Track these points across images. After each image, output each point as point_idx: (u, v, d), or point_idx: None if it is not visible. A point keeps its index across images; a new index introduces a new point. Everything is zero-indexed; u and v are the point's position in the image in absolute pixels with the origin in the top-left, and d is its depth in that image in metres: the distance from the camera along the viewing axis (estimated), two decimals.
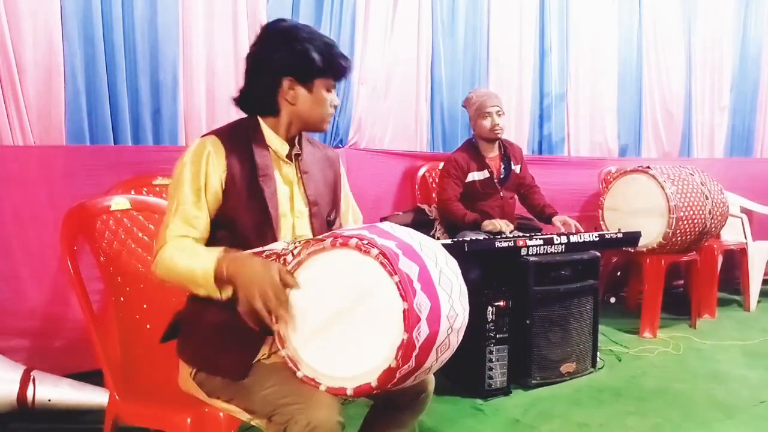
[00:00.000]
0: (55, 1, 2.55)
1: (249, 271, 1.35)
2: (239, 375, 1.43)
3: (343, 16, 3.32)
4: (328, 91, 1.58)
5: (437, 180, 3.48)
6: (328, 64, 1.54)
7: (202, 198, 1.46)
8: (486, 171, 3.26)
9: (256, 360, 1.46)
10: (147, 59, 2.80)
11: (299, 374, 1.32)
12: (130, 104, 2.78)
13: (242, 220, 1.49)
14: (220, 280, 1.38)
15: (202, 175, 1.46)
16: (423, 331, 1.24)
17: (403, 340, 1.22)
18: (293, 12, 3.17)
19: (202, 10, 2.94)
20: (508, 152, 3.36)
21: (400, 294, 1.23)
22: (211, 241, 1.49)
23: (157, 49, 2.82)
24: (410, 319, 1.22)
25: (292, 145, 1.60)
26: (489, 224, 3.02)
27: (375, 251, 1.26)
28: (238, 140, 1.53)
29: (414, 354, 1.24)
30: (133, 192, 2.45)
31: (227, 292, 1.39)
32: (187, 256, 1.41)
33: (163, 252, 1.43)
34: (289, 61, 1.52)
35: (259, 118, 1.58)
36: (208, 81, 2.98)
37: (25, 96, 2.53)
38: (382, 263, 1.25)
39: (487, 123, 3.20)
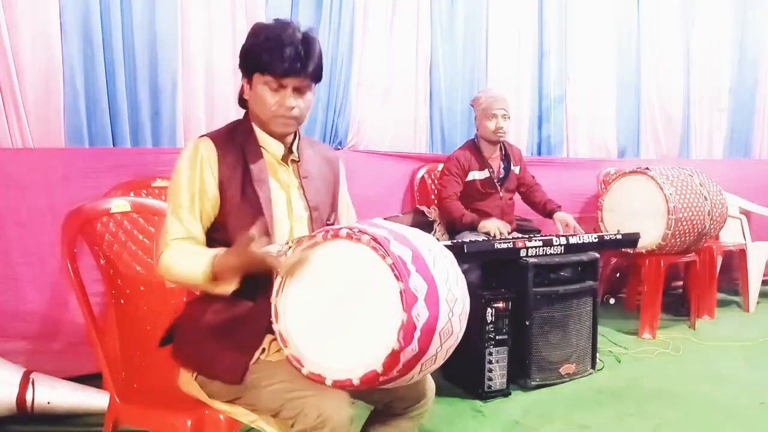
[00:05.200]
0: (54, 5, 2.56)
1: (243, 262, 1.37)
2: (237, 378, 1.43)
3: (342, 19, 3.33)
4: (274, 89, 1.46)
5: (437, 180, 3.50)
6: (262, 59, 1.44)
7: (195, 203, 1.46)
8: (487, 170, 3.28)
9: (254, 360, 1.45)
10: (146, 62, 2.80)
11: (304, 371, 1.30)
12: (129, 106, 2.79)
13: (236, 225, 1.47)
14: (217, 279, 1.40)
15: (197, 180, 1.46)
16: (422, 312, 1.23)
17: (402, 320, 1.21)
18: (292, 16, 3.17)
19: (200, 13, 2.95)
20: (508, 153, 3.39)
21: (395, 275, 1.23)
22: (208, 245, 1.50)
23: (156, 52, 2.82)
24: (407, 299, 1.21)
25: (288, 148, 1.57)
26: (483, 227, 3.04)
27: (366, 237, 1.27)
28: (233, 143, 1.52)
29: (416, 336, 1.23)
30: (132, 194, 2.45)
31: (229, 287, 1.41)
32: (187, 260, 1.43)
33: (164, 257, 1.45)
34: (240, 59, 1.51)
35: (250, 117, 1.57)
36: (206, 83, 2.98)
37: (24, 99, 2.53)
38: (374, 248, 1.26)
39: (491, 125, 3.23)
